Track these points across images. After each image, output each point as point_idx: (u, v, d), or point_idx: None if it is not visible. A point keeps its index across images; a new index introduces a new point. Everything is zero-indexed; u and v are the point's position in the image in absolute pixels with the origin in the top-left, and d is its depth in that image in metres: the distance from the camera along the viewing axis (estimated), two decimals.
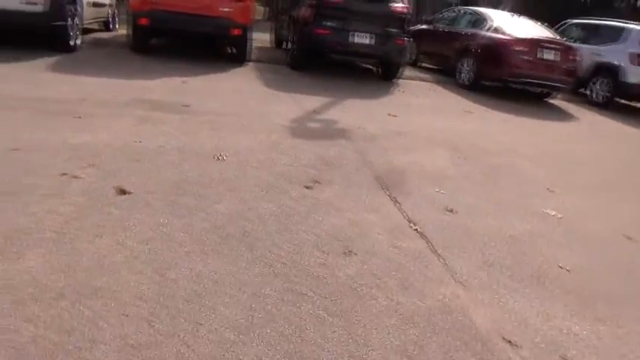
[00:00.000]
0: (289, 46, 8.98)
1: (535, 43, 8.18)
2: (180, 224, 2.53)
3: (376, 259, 2.47)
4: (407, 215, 3.05)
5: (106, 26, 9.98)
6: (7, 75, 5.26)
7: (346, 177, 3.53)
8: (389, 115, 5.81)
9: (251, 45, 8.39)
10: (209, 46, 9.03)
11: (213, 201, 2.84)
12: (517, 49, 8.12)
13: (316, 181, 3.34)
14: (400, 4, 7.89)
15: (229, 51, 8.69)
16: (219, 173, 3.26)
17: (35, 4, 6.29)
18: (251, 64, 8.26)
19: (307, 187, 3.22)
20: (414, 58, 10.74)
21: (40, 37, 7.01)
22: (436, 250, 2.65)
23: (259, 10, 14.12)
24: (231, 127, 4.35)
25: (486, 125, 6.24)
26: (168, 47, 8.64)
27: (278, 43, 10.96)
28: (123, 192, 2.80)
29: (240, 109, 5.06)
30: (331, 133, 4.66)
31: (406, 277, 2.34)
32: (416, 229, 2.87)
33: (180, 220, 2.57)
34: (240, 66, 7.95)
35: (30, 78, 5.25)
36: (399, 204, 3.20)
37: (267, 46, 10.86)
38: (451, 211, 3.22)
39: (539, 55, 8.10)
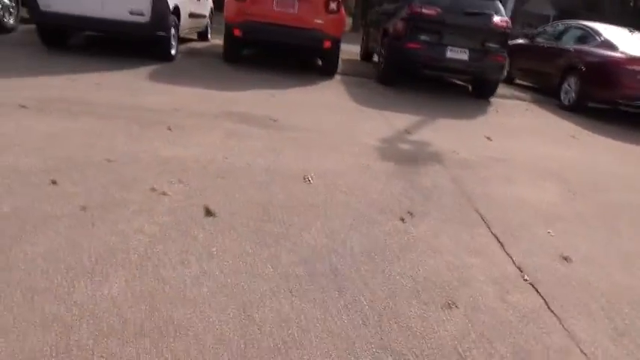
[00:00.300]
0: (378, 59, 8.75)
1: None
2: (266, 255, 2.37)
3: (483, 315, 2.14)
4: (514, 261, 2.67)
5: (200, 36, 10.36)
6: (110, 83, 5.50)
7: (443, 210, 3.21)
8: (485, 137, 5.37)
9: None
10: (298, 58, 9.05)
11: (301, 229, 2.65)
12: (634, 68, 7.27)
13: (410, 213, 3.05)
14: (501, 18, 7.38)
15: (318, 63, 8.62)
16: (307, 197, 3.08)
17: (141, 14, 6.60)
18: (339, 77, 8.13)
19: (401, 220, 2.94)
20: (507, 74, 10.07)
21: (143, 46, 7.37)
22: (553, 310, 2.27)
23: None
24: (318, 145, 4.18)
25: (594, 153, 5.58)
26: (259, 58, 8.75)
27: (366, 55, 10.77)
28: (209, 213, 2.70)
29: (328, 126, 4.90)
30: (424, 156, 4.34)
31: (520, 344, 1.99)
32: (527, 280, 2.49)
33: (266, 250, 2.40)
34: (329, 79, 7.84)
35: (130, 86, 5.45)
36: (505, 246, 2.83)
37: (354, 59, 10.73)
38: (566, 259, 2.79)
39: None
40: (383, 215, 2.98)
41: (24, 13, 7.97)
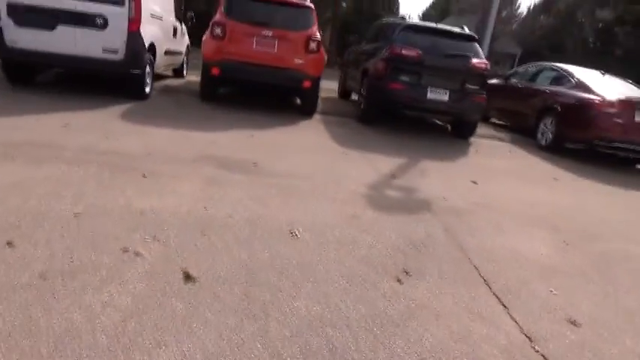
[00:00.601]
0: (357, 98, 8.72)
1: (631, 105, 7.43)
2: (254, 329, 2.10)
3: None
4: (521, 327, 2.48)
5: (176, 73, 10.18)
6: (80, 124, 5.21)
7: (439, 266, 3.01)
8: (469, 181, 5.27)
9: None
10: (276, 96, 8.94)
11: (291, 295, 2.41)
12: (610, 110, 7.40)
13: (406, 272, 2.84)
14: (480, 60, 7.45)
15: (297, 102, 8.52)
16: (295, 255, 2.84)
17: (115, 52, 6.38)
18: (318, 115, 8.02)
19: (398, 281, 2.73)
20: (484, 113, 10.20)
21: (116, 83, 7.11)
22: None
23: None
24: (303, 193, 3.97)
25: (579, 197, 5.54)
26: (236, 96, 8.59)
27: (344, 94, 10.76)
28: (189, 278, 2.43)
29: (311, 171, 4.71)
30: (413, 204, 4.17)
31: None
32: (538, 352, 2.29)
33: (253, 324, 2.14)
34: (309, 118, 7.72)
35: (101, 127, 5.17)
36: (509, 309, 2.64)
37: (331, 96, 10.69)
38: (574, 323, 2.61)
39: (637, 119, 7.33)
40: (378, 275, 2.76)
41: None
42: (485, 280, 2.93)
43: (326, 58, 8.03)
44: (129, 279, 2.34)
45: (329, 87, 11.16)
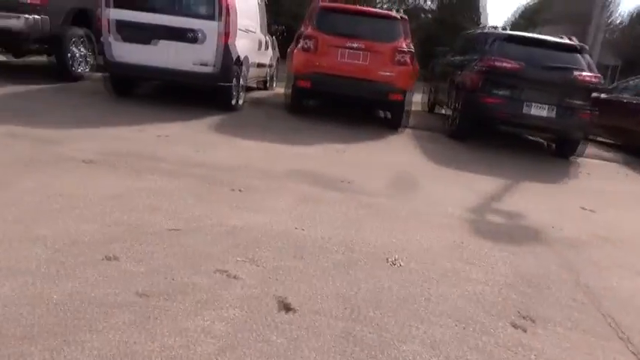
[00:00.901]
0: (447, 112, 8.31)
1: None
2: None
3: None
4: None
5: (264, 85, 10.34)
6: (175, 135, 5.34)
7: (562, 312, 2.61)
8: (583, 209, 4.71)
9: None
10: (364, 109, 8.76)
11: (397, 337, 2.16)
12: None
13: (525, 317, 2.49)
14: (588, 73, 6.78)
15: (383, 115, 8.29)
16: (398, 288, 2.59)
17: (206, 65, 6.53)
18: (406, 130, 7.72)
19: (516, 327, 2.38)
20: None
21: (207, 95, 7.30)
22: None
23: None
24: (400, 216, 3.71)
25: None
26: (323, 109, 8.52)
27: (432, 107, 10.37)
28: (286, 307, 2.27)
29: (406, 190, 4.44)
30: (521, 233, 3.76)
31: None
32: None
33: None
34: (397, 132, 7.45)
35: (194, 139, 5.26)
36: None
37: (417, 109, 10.32)
38: None
39: None
40: (492, 318, 2.44)
41: (100, 61, 8.16)
42: (619, 335, 2.49)
43: (417, 70, 7.72)
44: (225, 304, 2.22)
45: (414, 99, 10.81)
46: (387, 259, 2.91)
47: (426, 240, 3.30)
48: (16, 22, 6.65)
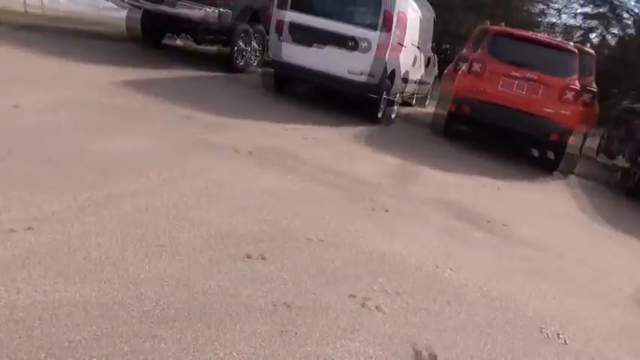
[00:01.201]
0: (630, 167, 7.14)
1: None
2: None
3: None
4: None
5: (415, 101, 10.11)
6: (321, 138, 5.35)
7: None
8: None
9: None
10: (518, 144, 8.09)
11: None
12: None
13: None
14: None
15: (538, 155, 7.55)
16: None
17: (360, 74, 6.51)
18: (569, 176, 6.94)
19: None
20: None
21: (355, 103, 7.28)
22: None
23: None
24: (557, 277, 3.26)
25: None
26: (474, 137, 8.02)
27: (609, 155, 9.09)
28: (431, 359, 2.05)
29: (567, 248, 3.91)
30: None
31: None
32: None
33: None
34: (555, 177, 6.72)
35: (339, 146, 5.27)
36: None
37: (586, 154, 9.21)
38: None
39: None
40: None
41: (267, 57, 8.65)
42: None
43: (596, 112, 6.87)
44: (365, 338, 2.08)
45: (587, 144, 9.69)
46: (543, 332, 2.53)
47: (591, 315, 2.83)
48: (197, 12, 7.30)
